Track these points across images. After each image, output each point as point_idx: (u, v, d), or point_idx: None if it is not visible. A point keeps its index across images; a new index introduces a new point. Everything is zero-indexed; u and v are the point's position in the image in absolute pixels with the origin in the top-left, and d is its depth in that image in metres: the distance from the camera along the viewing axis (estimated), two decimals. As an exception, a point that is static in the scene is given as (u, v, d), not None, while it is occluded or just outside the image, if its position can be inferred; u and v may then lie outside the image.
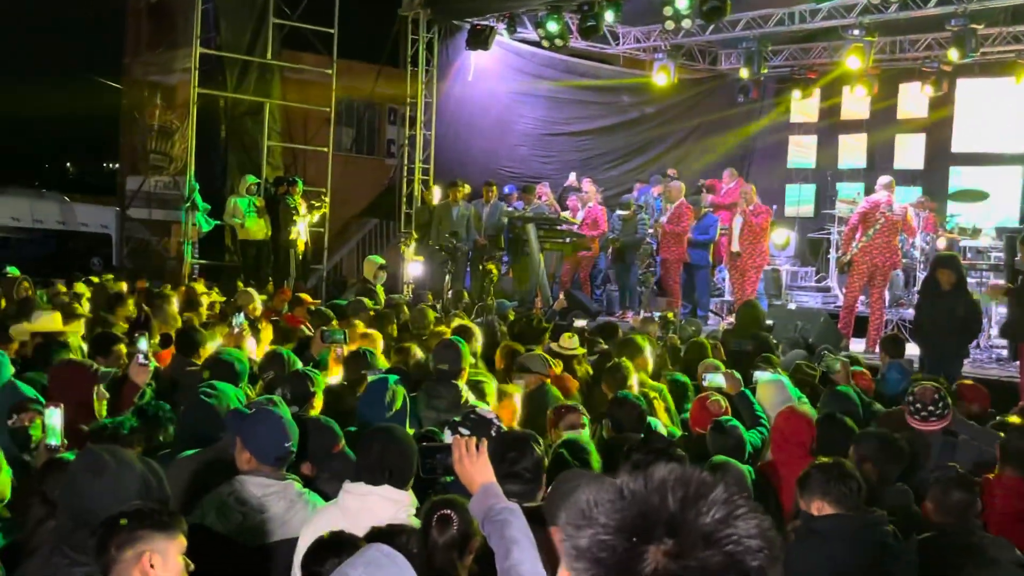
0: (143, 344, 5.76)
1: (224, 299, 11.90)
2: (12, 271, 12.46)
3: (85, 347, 7.27)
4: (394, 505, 3.82)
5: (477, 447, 3.18)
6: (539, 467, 4.02)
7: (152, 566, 2.80)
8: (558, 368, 7.58)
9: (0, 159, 28.73)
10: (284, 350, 7.22)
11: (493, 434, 4.44)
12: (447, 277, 14.61)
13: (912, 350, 10.52)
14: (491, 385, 6.16)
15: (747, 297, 13.48)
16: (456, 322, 9.96)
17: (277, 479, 4.15)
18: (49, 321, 8.02)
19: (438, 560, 3.29)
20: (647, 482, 1.25)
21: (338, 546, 3.17)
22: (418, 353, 7.52)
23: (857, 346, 12.68)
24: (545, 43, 17.02)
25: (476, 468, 3.15)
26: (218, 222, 16.85)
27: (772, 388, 6.94)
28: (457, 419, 4.73)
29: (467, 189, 16.11)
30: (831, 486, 4.23)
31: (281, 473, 4.20)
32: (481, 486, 3.11)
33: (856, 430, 5.55)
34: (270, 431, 4.20)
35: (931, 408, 6.02)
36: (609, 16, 15.86)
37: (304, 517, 4.01)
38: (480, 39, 17.54)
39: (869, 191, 17.32)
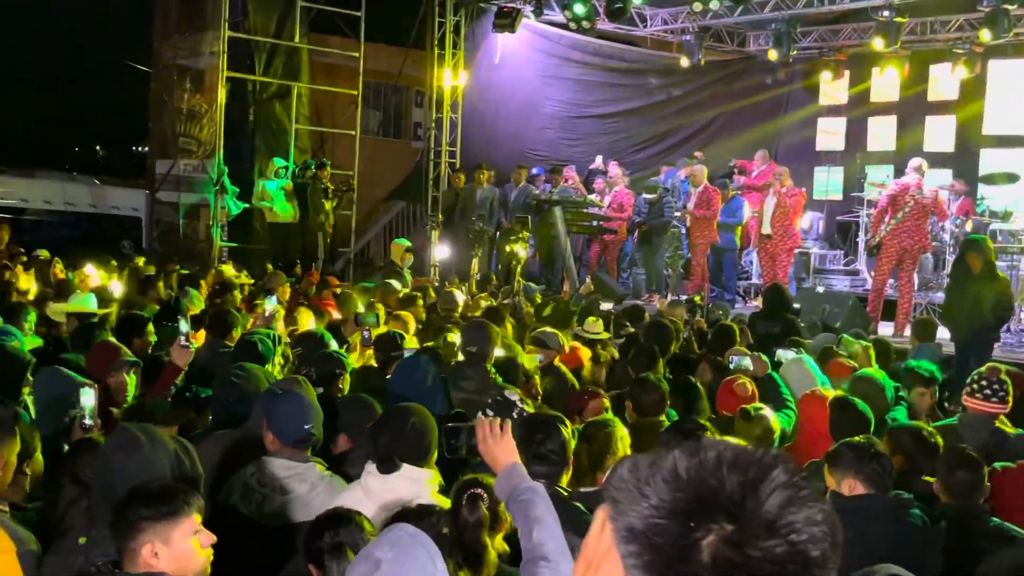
0: (184, 327, 5.81)
1: (252, 282, 11.99)
2: (43, 254, 12.61)
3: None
4: (415, 484, 3.84)
5: (501, 427, 3.18)
6: (565, 449, 4.04)
7: (156, 555, 2.81)
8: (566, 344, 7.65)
9: (32, 143, 28.97)
10: (320, 330, 7.29)
11: (515, 416, 4.46)
12: (474, 260, 14.64)
13: (943, 334, 10.45)
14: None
15: (779, 280, 13.41)
16: (484, 305, 10.00)
17: (300, 461, 4.17)
18: (84, 302, 8.14)
19: (468, 538, 3.31)
20: (703, 462, 1.20)
21: (335, 522, 3.17)
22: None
23: (886, 329, 12.61)
24: (572, 25, 16.95)
25: (499, 448, 3.15)
26: (247, 205, 16.93)
27: (795, 368, 6.92)
28: (489, 401, 4.75)
29: (491, 173, 16.13)
30: (864, 464, 4.17)
31: (305, 455, 4.21)
32: (505, 466, 3.10)
33: (869, 415, 5.48)
34: (292, 413, 4.22)
35: (995, 387, 5.94)
36: (636, -3, 15.79)
37: (326, 500, 4.03)
38: (507, 21, 17.48)
39: (899, 174, 17.17)
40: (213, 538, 2.93)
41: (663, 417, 5.62)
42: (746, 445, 1.25)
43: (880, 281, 12.86)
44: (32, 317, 7.65)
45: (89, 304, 8.16)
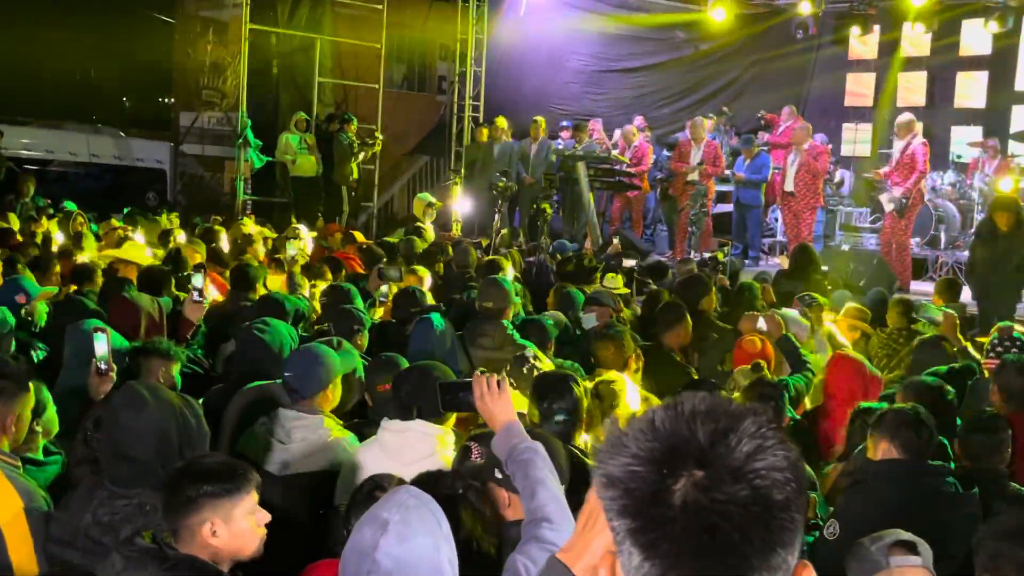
0: (198, 281, 5.81)
1: (275, 235, 12.01)
2: (69, 206, 12.67)
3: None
4: (430, 440, 3.85)
5: (499, 384, 3.13)
6: (578, 407, 4.03)
7: (215, 533, 2.77)
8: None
9: (58, 94, 28.99)
10: (347, 284, 7.29)
11: (525, 371, 4.45)
12: (496, 216, 14.58)
13: (966, 295, 10.37)
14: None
15: (802, 238, 13.32)
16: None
17: (309, 412, 4.19)
18: (134, 251, 8.24)
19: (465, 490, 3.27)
20: (678, 414, 1.27)
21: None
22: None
23: (918, 287, 12.55)
24: (598, -22, 16.74)
25: (497, 406, 3.09)
26: (270, 158, 16.94)
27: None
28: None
29: (504, 129, 16.04)
30: (901, 431, 4.13)
31: (314, 407, 4.23)
32: (503, 425, 3.05)
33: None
34: (287, 361, 4.36)
35: (1007, 343, 5.90)
36: (664, -50, 15.55)
37: (326, 456, 4.05)
38: (532, -27, 17.29)
39: (928, 130, 16.95)
40: (268, 516, 2.90)
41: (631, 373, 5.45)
42: (723, 397, 1.33)
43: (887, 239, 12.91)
44: (58, 268, 7.71)
45: (144, 254, 8.29)
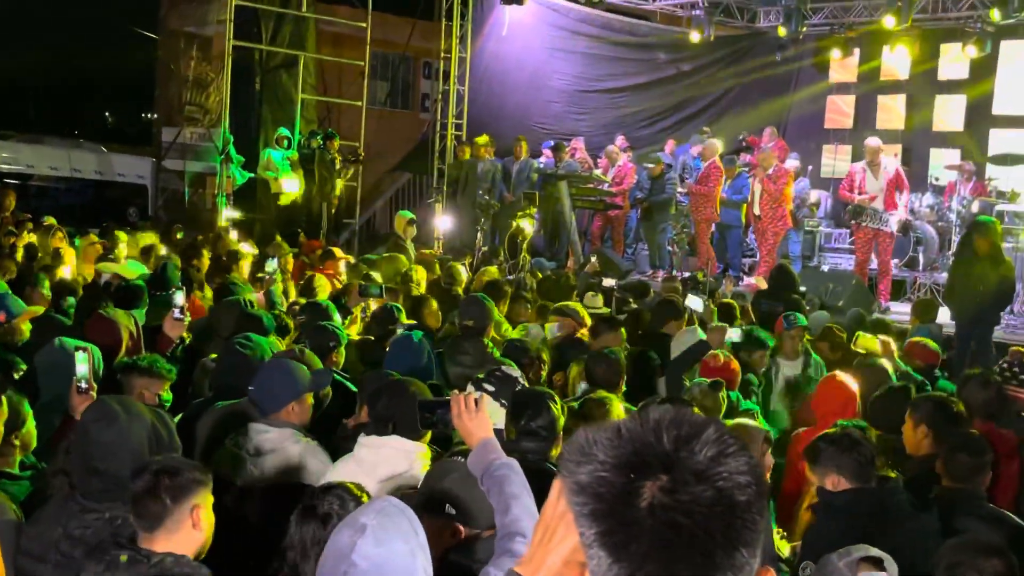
0: (179, 299, 5.81)
1: (256, 251, 11.97)
2: (49, 220, 12.61)
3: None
4: (406, 456, 3.86)
5: (476, 403, 3.17)
6: (554, 425, 4.04)
7: (200, 519, 2.89)
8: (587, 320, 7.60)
9: (39, 108, 28.96)
10: (324, 300, 7.29)
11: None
12: (479, 234, 14.60)
13: (943, 315, 10.44)
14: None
15: (764, 259, 13.51)
16: (487, 277, 9.97)
17: (276, 426, 4.17)
18: (126, 267, 8.26)
19: None
20: (643, 422, 1.33)
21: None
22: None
23: (898, 308, 12.66)
24: (581, -2, 16.84)
25: (475, 423, 3.13)
26: (252, 175, 16.91)
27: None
28: (481, 375, 4.73)
29: (486, 147, 16.08)
30: (844, 458, 4.10)
31: (282, 420, 4.20)
32: (480, 441, 3.09)
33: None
34: (255, 377, 4.36)
35: (1015, 369, 5.97)
36: (646, -29, 15.66)
37: (296, 468, 4.04)
38: (515, -7, 17.36)
39: (907, 153, 17.12)
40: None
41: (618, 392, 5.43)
42: (686, 408, 1.39)
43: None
44: (46, 283, 7.68)
45: (141, 269, 8.31)
